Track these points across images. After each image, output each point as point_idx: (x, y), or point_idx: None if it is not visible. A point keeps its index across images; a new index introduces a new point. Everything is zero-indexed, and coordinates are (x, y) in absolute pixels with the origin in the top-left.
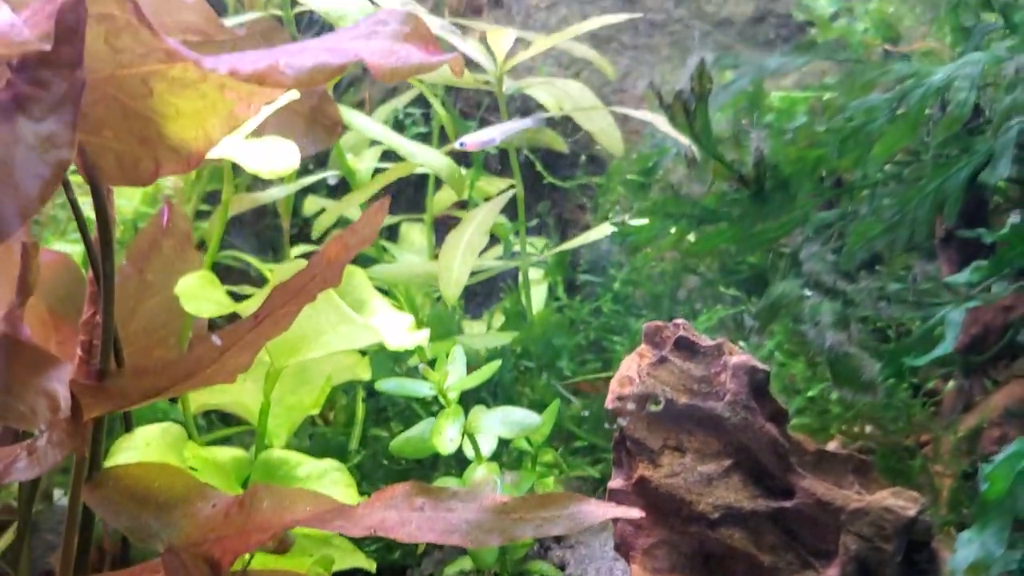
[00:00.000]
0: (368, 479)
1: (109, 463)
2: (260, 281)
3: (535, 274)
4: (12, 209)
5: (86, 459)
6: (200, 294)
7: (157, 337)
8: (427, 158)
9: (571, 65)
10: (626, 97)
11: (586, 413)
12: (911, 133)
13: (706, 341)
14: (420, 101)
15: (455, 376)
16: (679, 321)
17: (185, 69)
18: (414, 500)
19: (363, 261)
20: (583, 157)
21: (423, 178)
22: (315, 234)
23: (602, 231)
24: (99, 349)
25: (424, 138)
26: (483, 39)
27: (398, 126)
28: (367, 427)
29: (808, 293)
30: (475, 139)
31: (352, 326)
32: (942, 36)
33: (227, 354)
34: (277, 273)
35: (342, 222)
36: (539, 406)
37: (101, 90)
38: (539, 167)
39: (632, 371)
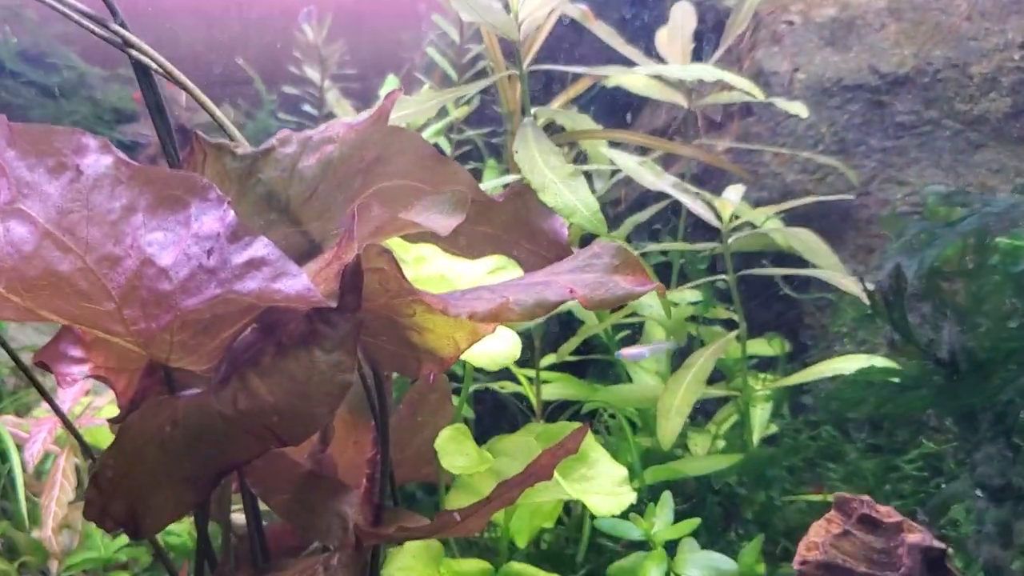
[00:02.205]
0: None
1: (389, 568)
2: None
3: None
4: (309, 420)
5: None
6: (452, 448)
7: (424, 460)
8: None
9: (817, 171)
10: (870, 200)
11: None
12: None
13: (889, 517)
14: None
15: (662, 523)
16: (864, 498)
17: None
18: None
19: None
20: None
21: None
22: None
23: (826, 369)
24: (378, 482)
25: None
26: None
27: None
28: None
29: (979, 494)
30: (629, 352)
31: (559, 489)
32: None
33: (467, 520)
34: (499, 449)
35: None
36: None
37: (377, 312)
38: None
39: (819, 537)
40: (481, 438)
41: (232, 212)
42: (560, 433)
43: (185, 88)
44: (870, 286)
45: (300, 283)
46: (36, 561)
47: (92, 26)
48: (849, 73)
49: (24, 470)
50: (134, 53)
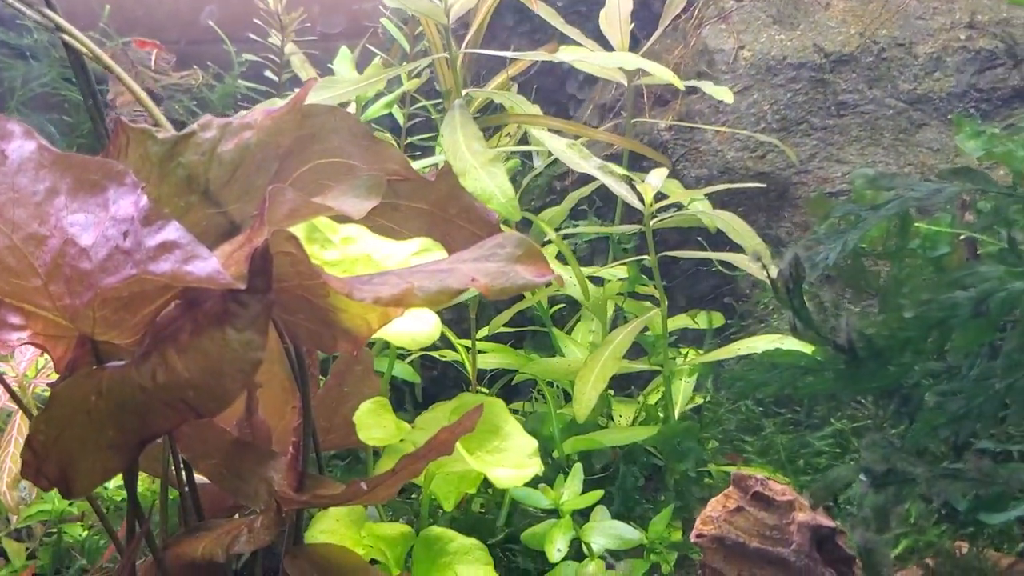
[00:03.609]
0: (510, 553)
1: (312, 530)
2: None
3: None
4: (222, 394)
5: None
6: (372, 422)
7: (353, 428)
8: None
9: (757, 148)
10: (809, 178)
11: None
12: (991, 332)
13: (782, 496)
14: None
15: (570, 493)
16: (759, 476)
17: None
18: None
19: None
20: None
21: None
22: None
23: (740, 348)
24: (302, 449)
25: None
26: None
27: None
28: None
29: (863, 478)
30: None
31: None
32: None
33: (375, 490)
34: (418, 423)
35: None
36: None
37: (293, 292)
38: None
39: (715, 512)
40: (427, 402)
41: (145, 197)
42: (475, 405)
43: (111, 71)
44: (774, 272)
45: (210, 266)
46: None
47: (25, 9)
48: (794, 52)
49: None
50: (65, 37)
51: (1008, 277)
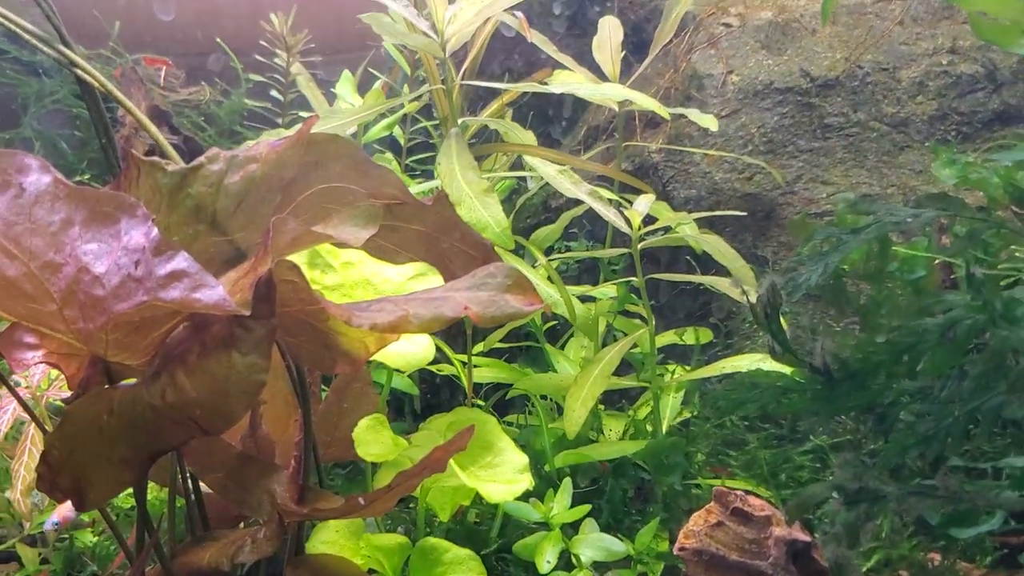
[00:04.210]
0: (503, 563)
1: (313, 540)
2: None
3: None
4: (228, 414)
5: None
6: (370, 438)
7: (352, 442)
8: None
9: (745, 170)
10: (795, 199)
11: None
12: (958, 357)
13: (760, 511)
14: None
15: (559, 507)
16: (740, 492)
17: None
18: None
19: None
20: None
21: None
22: None
23: (726, 366)
24: (303, 463)
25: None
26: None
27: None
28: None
29: (835, 496)
30: None
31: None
32: None
33: (372, 504)
34: (415, 439)
35: None
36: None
37: (295, 316)
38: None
39: (697, 526)
40: (426, 412)
41: (156, 228)
42: (469, 421)
43: (123, 105)
44: (753, 297)
45: (216, 294)
46: (10, 519)
47: (45, 48)
48: (781, 76)
49: None
50: (79, 72)
51: (973, 307)
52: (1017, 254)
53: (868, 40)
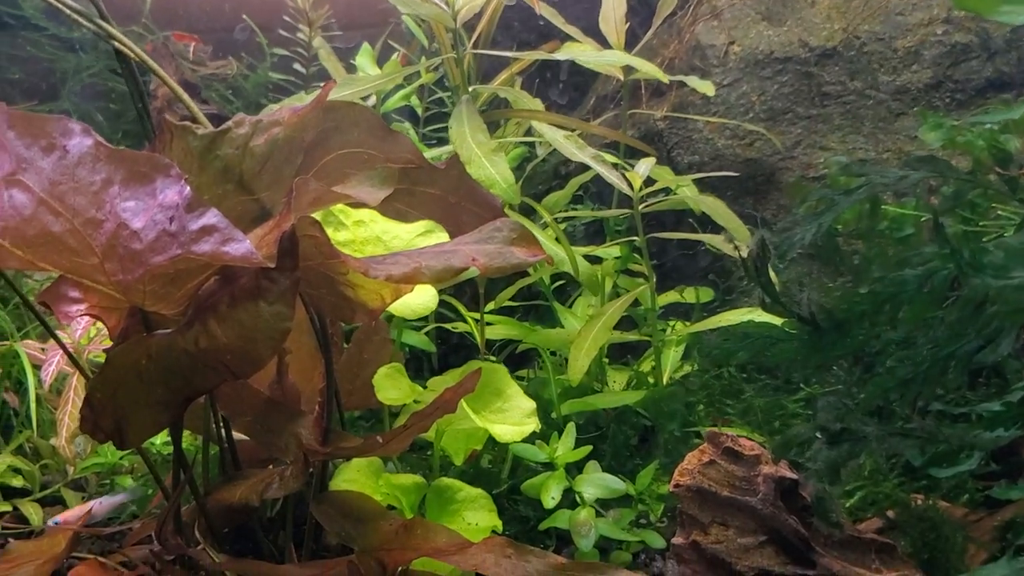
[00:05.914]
0: (513, 502)
1: (336, 480)
2: None
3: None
4: (256, 359)
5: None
6: (388, 384)
7: (372, 390)
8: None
9: (746, 136)
10: (794, 163)
11: None
12: (936, 305)
13: (750, 451)
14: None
15: (563, 448)
16: (731, 434)
17: None
18: (506, 550)
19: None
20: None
21: None
22: None
23: (720, 320)
24: (326, 408)
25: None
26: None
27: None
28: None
29: (819, 436)
30: None
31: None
32: None
33: (389, 443)
34: (430, 385)
35: None
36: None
37: (316, 270)
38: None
39: (691, 465)
40: (442, 370)
41: (189, 187)
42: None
43: (158, 75)
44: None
45: (244, 247)
46: (56, 464)
47: (83, 21)
48: (781, 46)
49: (41, 387)
50: (116, 44)
51: (944, 257)
52: (1001, 213)
53: (865, 11)
